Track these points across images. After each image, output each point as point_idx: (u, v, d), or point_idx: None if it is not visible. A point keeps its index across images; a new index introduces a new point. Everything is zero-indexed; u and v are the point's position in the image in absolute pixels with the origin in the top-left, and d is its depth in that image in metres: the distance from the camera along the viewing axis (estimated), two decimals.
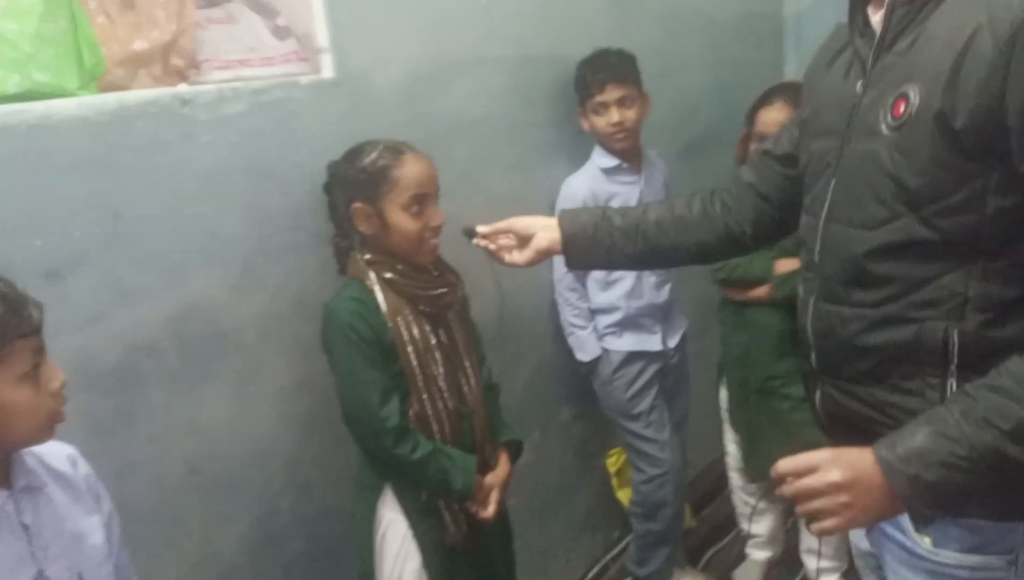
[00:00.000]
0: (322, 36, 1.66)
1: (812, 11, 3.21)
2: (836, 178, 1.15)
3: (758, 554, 2.54)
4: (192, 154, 1.46)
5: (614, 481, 2.58)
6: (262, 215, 1.58)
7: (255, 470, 1.63)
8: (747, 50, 3.06)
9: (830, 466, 1.03)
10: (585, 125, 2.23)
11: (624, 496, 2.56)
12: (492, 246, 1.57)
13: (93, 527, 1.17)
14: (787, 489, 1.07)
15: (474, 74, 1.97)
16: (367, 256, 1.59)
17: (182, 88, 1.46)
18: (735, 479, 2.51)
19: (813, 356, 1.22)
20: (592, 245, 1.48)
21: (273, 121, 1.57)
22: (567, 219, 1.51)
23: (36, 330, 1.04)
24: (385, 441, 1.54)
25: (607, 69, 2.14)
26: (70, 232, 1.33)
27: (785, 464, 1.07)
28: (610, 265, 1.57)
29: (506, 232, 1.55)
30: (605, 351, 2.30)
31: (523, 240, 1.53)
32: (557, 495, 2.46)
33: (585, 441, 2.54)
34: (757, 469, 2.34)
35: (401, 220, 1.56)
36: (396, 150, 1.57)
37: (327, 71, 1.67)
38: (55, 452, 1.17)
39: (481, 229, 1.56)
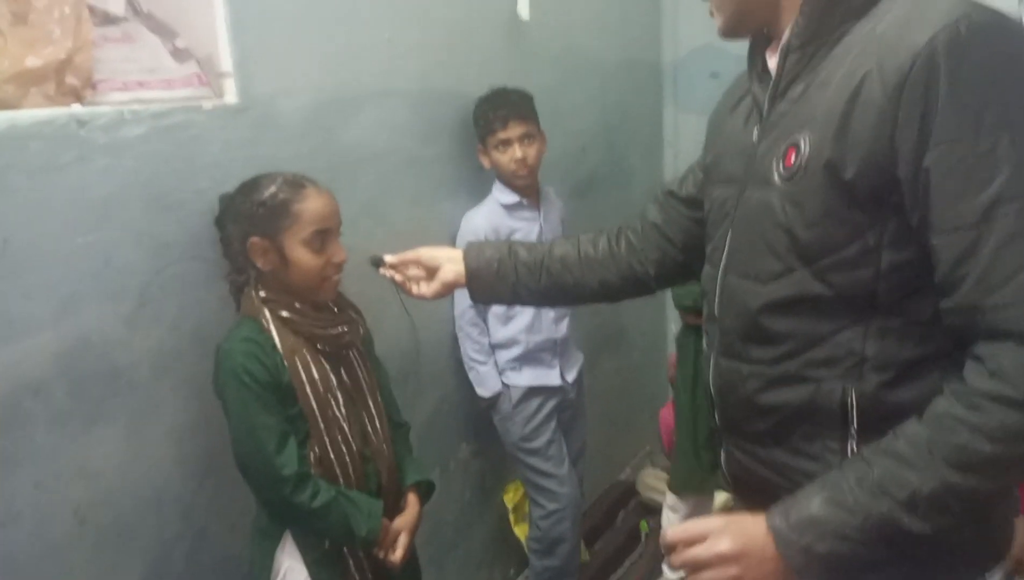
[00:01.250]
0: (225, 60, 1.60)
1: (688, 60, 3.39)
2: (733, 228, 1.11)
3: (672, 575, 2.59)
4: (88, 178, 1.37)
5: (511, 516, 2.57)
6: (159, 244, 1.50)
7: (148, 516, 1.52)
8: (630, 94, 3.19)
9: (720, 535, 0.97)
10: (485, 162, 2.25)
11: (521, 532, 2.55)
12: (399, 277, 1.56)
13: None
14: (675, 559, 1.00)
15: (379, 105, 1.95)
16: (262, 293, 1.52)
17: (78, 108, 1.37)
18: (668, 497, 2.65)
19: (716, 413, 1.18)
20: (497, 280, 1.47)
21: (173, 146, 1.49)
22: (472, 252, 1.49)
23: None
24: (283, 489, 1.46)
25: (508, 106, 2.18)
26: None
27: (674, 532, 1.01)
28: (515, 300, 1.52)
29: (414, 262, 1.54)
30: (505, 386, 2.30)
31: (430, 271, 1.52)
32: (455, 532, 2.42)
33: (483, 476, 2.52)
34: (689, 486, 2.47)
35: (302, 256, 1.49)
36: (297, 184, 1.51)
37: (230, 96, 1.61)
38: None
39: (389, 258, 1.55)
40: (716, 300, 1.14)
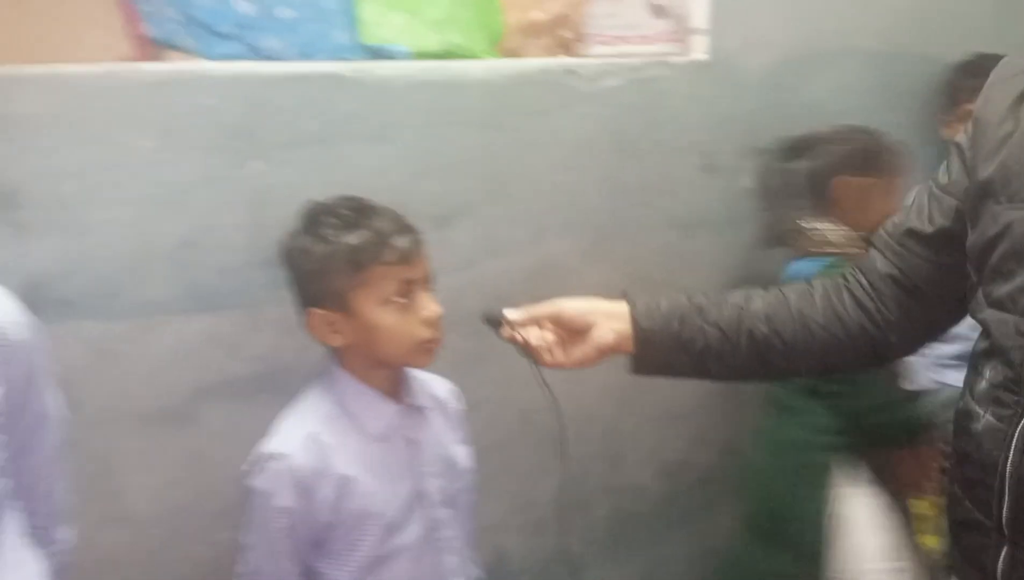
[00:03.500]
0: (699, 17, 1.66)
1: None
2: None
3: None
4: (567, 123, 1.53)
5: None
6: (616, 187, 1.63)
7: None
8: None
9: None
10: (947, 133, 2.05)
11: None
12: (532, 340, 1.10)
13: (462, 455, 1.27)
14: None
15: (841, 66, 1.88)
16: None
17: (568, 60, 1.53)
18: None
19: (1004, 508, 0.91)
20: (677, 347, 1.07)
21: (643, 97, 1.60)
22: (644, 307, 1.09)
23: (403, 259, 1.13)
24: None
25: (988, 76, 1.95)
26: (459, 183, 1.46)
27: None
28: (698, 375, 1.12)
29: (550, 319, 1.10)
30: None
31: (575, 333, 1.09)
32: None
33: None
34: None
35: None
36: None
37: (699, 52, 1.67)
38: (437, 383, 1.29)
39: (511, 315, 1.10)
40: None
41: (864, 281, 1.06)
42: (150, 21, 1.34)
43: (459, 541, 1.25)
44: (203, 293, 1.32)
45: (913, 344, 1.10)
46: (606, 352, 1.08)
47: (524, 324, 1.10)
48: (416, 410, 1.22)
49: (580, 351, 1.08)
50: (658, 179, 1.66)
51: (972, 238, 0.92)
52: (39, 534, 1.01)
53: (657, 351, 1.07)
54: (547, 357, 1.09)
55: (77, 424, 1.23)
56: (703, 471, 1.83)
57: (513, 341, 1.09)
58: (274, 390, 1.28)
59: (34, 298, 1.02)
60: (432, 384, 1.29)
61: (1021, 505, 0.88)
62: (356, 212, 1.15)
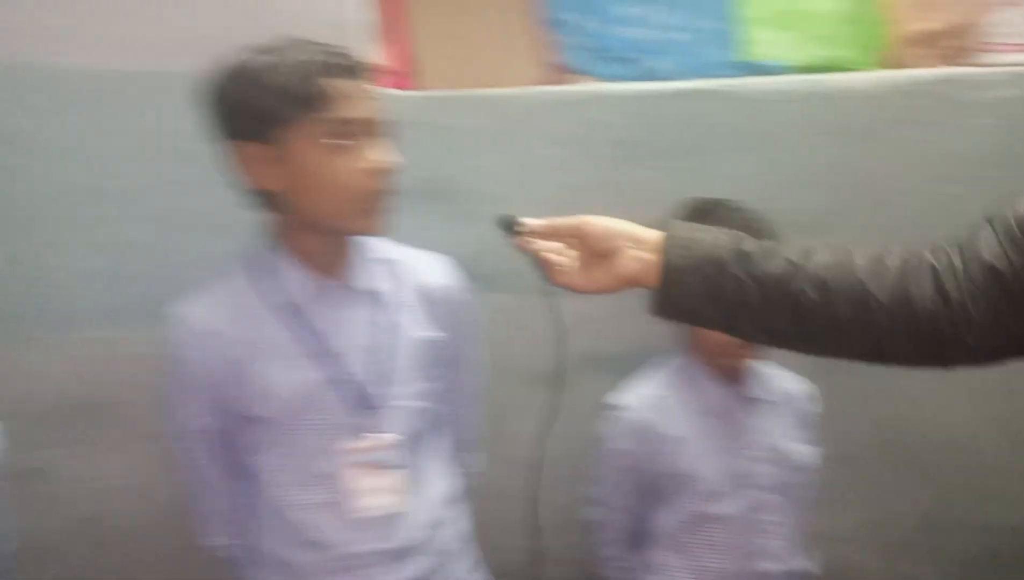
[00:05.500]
0: None
1: None
2: None
3: None
4: (953, 134, 1.49)
5: None
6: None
7: None
8: None
9: None
10: None
11: None
12: (544, 252, 0.97)
13: (802, 452, 1.33)
14: None
15: None
16: None
17: (960, 69, 1.49)
18: None
19: None
20: (708, 296, 0.90)
21: None
22: (678, 241, 0.91)
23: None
24: None
25: None
26: (831, 194, 1.50)
27: None
28: (727, 330, 0.93)
29: (572, 234, 0.96)
30: None
31: (597, 254, 0.95)
32: None
33: None
34: None
35: None
36: None
37: None
38: (791, 380, 1.38)
39: (531, 222, 0.97)
40: None
41: (959, 265, 0.84)
42: (564, 51, 1.61)
43: (783, 528, 1.32)
44: None
45: (993, 354, 0.87)
46: (627, 282, 0.93)
47: (543, 235, 0.97)
48: (754, 399, 1.32)
49: (598, 276, 0.94)
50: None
51: None
52: (459, 457, 1.30)
53: (682, 294, 0.91)
54: (560, 275, 0.96)
55: (486, 376, 1.53)
56: None
57: (525, 251, 0.98)
58: (632, 367, 1.44)
59: (462, 273, 1.30)
60: (785, 380, 1.37)
61: None
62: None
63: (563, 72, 1.63)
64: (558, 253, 0.96)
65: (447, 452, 1.25)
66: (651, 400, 1.35)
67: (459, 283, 1.20)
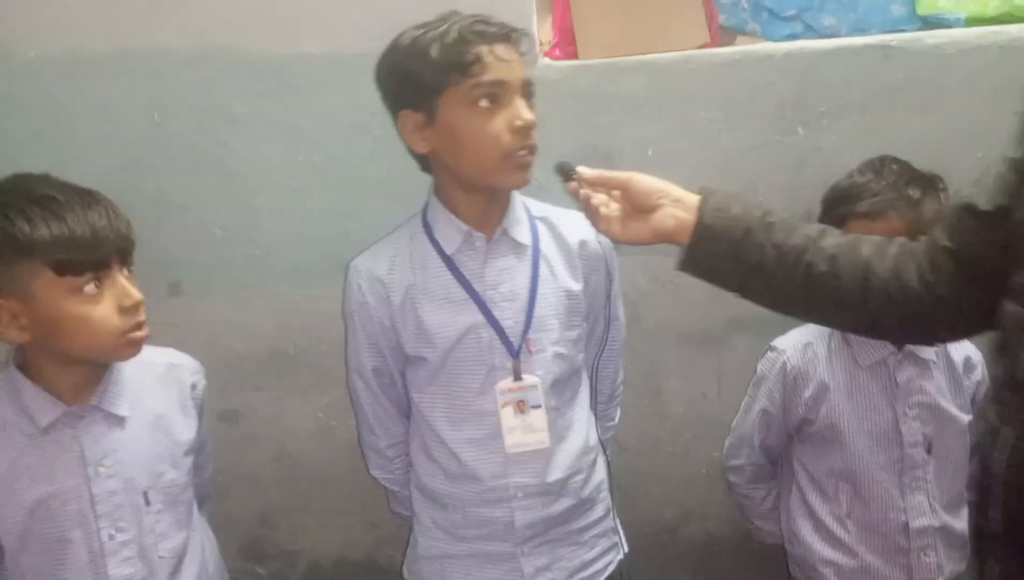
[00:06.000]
0: None
1: None
2: None
3: None
4: None
5: None
6: None
7: None
8: None
9: None
10: None
11: None
12: (594, 198, 1.10)
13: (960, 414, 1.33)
14: None
15: None
16: None
17: None
18: None
19: (998, 513, 0.87)
20: (732, 255, 1.01)
21: None
22: (714, 203, 1.03)
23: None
24: None
25: None
26: (1002, 149, 1.43)
27: None
28: (740, 289, 1.05)
29: (620, 187, 1.08)
30: None
31: (639, 209, 1.06)
32: None
33: None
34: None
35: None
36: None
37: None
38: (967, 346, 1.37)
39: (584, 172, 1.10)
40: None
41: (928, 251, 0.99)
42: (725, 12, 1.60)
43: (932, 486, 1.34)
44: None
45: (963, 328, 1.05)
46: (662, 237, 1.06)
47: (594, 183, 1.10)
48: (909, 354, 1.33)
49: (637, 228, 1.07)
50: None
51: (1015, 221, 0.87)
52: (600, 409, 1.39)
53: (709, 252, 1.03)
54: (602, 222, 1.09)
55: (637, 335, 1.58)
56: None
57: (576, 196, 1.11)
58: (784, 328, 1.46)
59: None
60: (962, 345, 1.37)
61: (1012, 513, 0.85)
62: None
63: (727, 33, 1.63)
64: (605, 204, 1.08)
65: (587, 403, 1.33)
66: (804, 347, 1.40)
67: (600, 239, 1.27)
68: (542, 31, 1.53)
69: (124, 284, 1.04)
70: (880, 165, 1.33)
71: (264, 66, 1.46)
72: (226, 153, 1.50)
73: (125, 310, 1.03)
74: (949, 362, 1.37)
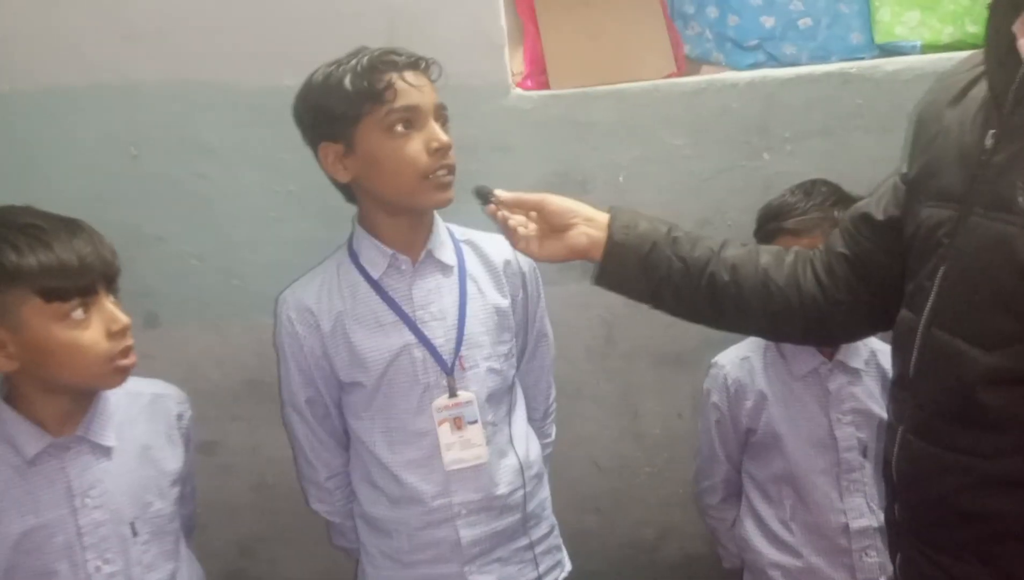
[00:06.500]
0: None
1: None
2: (948, 266, 0.86)
3: None
4: None
5: None
6: None
7: None
8: None
9: None
10: None
11: None
12: (510, 220, 1.16)
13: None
14: None
15: None
16: None
17: None
18: None
19: (896, 506, 0.95)
20: (641, 269, 1.09)
21: None
22: (622, 221, 1.11)
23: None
24: None
25: None
26: None
27: None
28: (652, 301, 1.12)
29: (534, 208, 1.15)
30: None
31: (554, 228, 1.14)
32: None
33: None
34: None
35: None
36: None
37: None
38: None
39: (502, 194, 1.16)
40: (913, 359, 0.90)
41: (825, 259, 1.06)
42: (690, 42, 1.65)
43: (870, 488, 1.39)
44: None
45: (859, 329, 1.12)
46: (576, 254, 1.13)
47: (511, 205, 1.15)
48: (839, 363, 1.39)
49: (553, 246, 1.14)
50: None
51: (906, 235, 0.95)
52: (535, 426, 1.42)
53: (620, 267, 1.10)
54: (520, 242, 1.15)
55: (613, 357, 1.61)
56: None
57: (494, 218, 1.16)
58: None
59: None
60: (876, 347, 1.42)
61: (908, 505, 0.92)
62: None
63: (692, 63, 1.67)
64: (523, 225, 1.15)
65: (525, 418, 1.37)
66: (742, 361, 1.47)
67: (521, 259, 1.33)
68: (514, 62, 1.57)
69: (111, 309, 1.04)
70: (811, 187, 1.41)
71: (240, 98, 1.48)
72: (203, 184, 1.51)
73: (113, 334, 1.03)
74: (879, 369, 1.43)
